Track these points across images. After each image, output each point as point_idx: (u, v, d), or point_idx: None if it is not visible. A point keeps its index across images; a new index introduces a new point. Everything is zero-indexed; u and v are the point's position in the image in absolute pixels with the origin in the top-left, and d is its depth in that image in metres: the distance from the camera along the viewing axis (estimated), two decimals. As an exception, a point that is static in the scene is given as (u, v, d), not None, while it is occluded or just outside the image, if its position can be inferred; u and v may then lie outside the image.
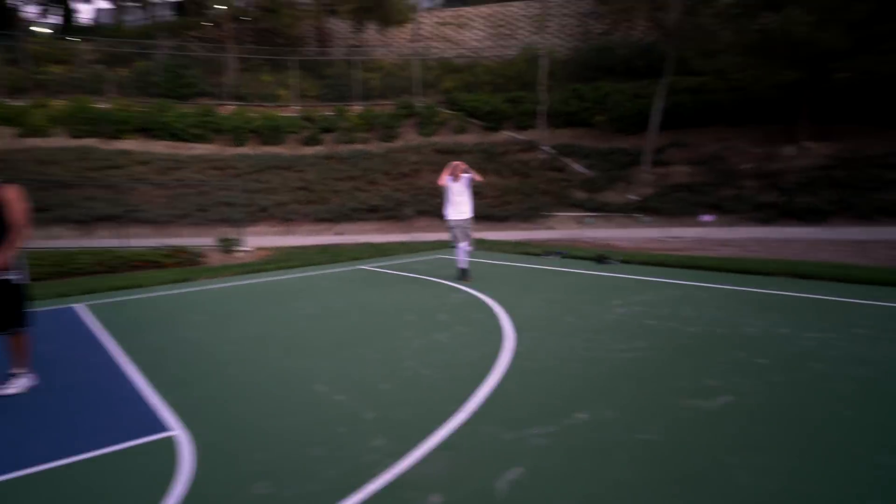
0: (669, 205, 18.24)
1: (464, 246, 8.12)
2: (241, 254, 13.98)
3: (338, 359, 4.53)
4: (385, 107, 28.23)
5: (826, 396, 3.28)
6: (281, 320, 6.15)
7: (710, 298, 6.26)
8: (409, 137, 26.21)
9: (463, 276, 8.18)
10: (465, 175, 8.08)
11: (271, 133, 25.62)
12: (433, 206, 20.39)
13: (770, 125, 19.99)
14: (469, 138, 25.53)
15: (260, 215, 19.88)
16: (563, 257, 10.56)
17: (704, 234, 15.27)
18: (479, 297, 6.94)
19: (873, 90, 18.04)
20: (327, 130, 26.34)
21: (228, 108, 27.02)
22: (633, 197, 19.43)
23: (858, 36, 15.84)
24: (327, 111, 27.64)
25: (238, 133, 25.31)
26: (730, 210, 17.23)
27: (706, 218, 17.20)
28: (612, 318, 5.48)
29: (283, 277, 9.63)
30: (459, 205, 8.04)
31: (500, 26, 35.17)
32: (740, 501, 2.23)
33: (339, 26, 34.61)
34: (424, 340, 4.96)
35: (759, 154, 19.14)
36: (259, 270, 10.55)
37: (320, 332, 5.54)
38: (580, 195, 20.31)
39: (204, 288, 8.81)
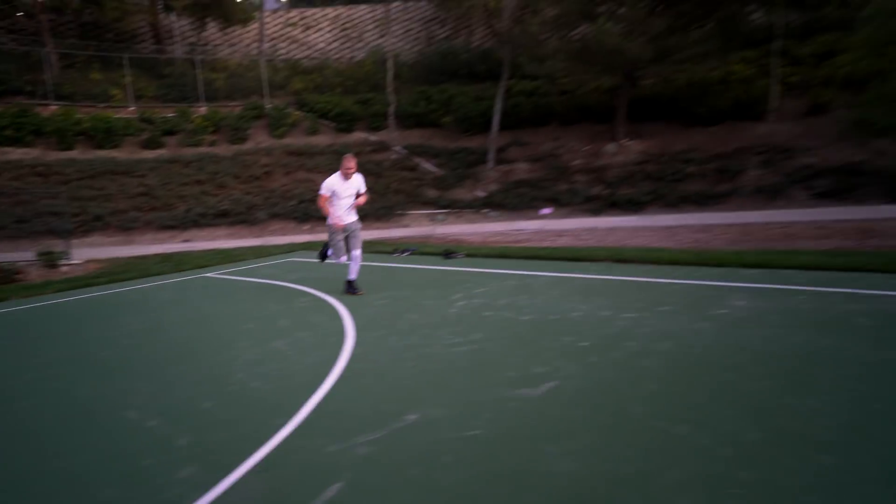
0: (513, 199, 19.31)
1: (356, 254, 6.79)
2: (67, 268, 12.48)
3: (159, 379, 4.06)
4: (232, 108, 26.54)
5: (635, 373, 3.53)
6: (101, 339, 5.44)
7: (544, 286, 6.63)
8: (260, 139, 24.94)
9: (351, 288, 6.94)
10: (357, 175, 6.67)
11: (104, 136, 22.82)
12: (287, 209, 19.66)
13: (595, 125, 22.05)
14: (322, 139, 24.88)
15: (94, 225, 17.85)
16: (413, 254, 10.67)
17: (544, 225, 16.35)
18: (325, 299, 6.71)
19: (673, 94, 20.70)
20: (170, 133, 24.13)
21: (50, 108, 23.57)
22: (480, 193, 20.25)
23: (657, 47, 17.97)
24: (168, 112, 25.32)
25: (63, 135, 22.19)
26: (565, 203, 18.66)
27: (545, 211, 18.45)
28: (453, 311, 5.56)
29: (114, 291, 8.71)
30: (347, 205, 6.66)
31: (347, 29, 34.79)
32: (557, 491, 2.27)
33: (178, 24, 31.85)
34: (260, 350, 4.62)
35: (587, 151, 20.99)
36: (88, 285, 9.48)
37: (145, 349, 4.96)
38: (432, 193, 20.74)
39: (13, 309, 7.65)
